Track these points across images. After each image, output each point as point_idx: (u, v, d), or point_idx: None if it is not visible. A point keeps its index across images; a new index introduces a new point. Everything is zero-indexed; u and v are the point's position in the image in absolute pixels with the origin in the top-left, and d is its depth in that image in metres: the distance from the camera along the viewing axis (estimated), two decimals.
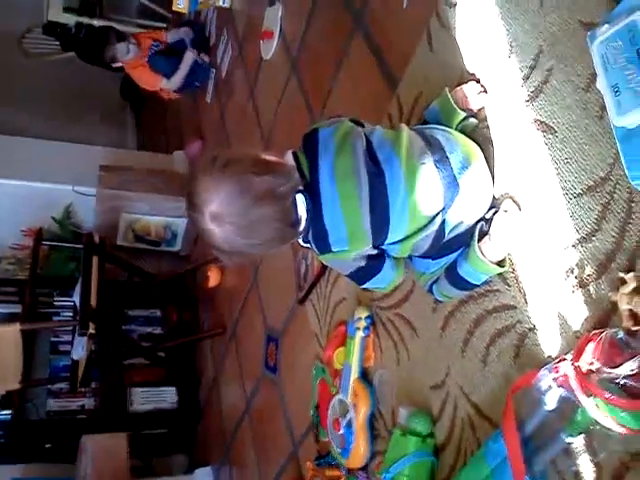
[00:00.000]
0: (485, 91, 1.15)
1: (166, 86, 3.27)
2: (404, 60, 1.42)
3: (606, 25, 0.78)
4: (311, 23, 2.05)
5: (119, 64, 3.15)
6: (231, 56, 2.95)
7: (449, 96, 1.15)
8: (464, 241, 1.08)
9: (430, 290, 1.18)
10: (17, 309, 2.98)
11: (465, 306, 1.16)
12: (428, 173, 1.01)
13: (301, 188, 0.99)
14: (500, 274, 1.07)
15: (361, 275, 1.11)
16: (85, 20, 3.83)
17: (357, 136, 1.03)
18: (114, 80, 4.89)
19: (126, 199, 3.07)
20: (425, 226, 1.03)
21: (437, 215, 1.02)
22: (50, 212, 3.20)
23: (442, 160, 1.02)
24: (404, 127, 1.07)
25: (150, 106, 4.80)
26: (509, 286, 1.06)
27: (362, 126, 1.10)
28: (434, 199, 1.01)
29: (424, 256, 1.14)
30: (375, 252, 1.07)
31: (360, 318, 1.44)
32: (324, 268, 1.73)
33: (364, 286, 1.15)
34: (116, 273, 3.10)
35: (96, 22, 3.82)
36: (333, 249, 1.02)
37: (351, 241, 1.01)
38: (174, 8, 2.77)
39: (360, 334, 1.43)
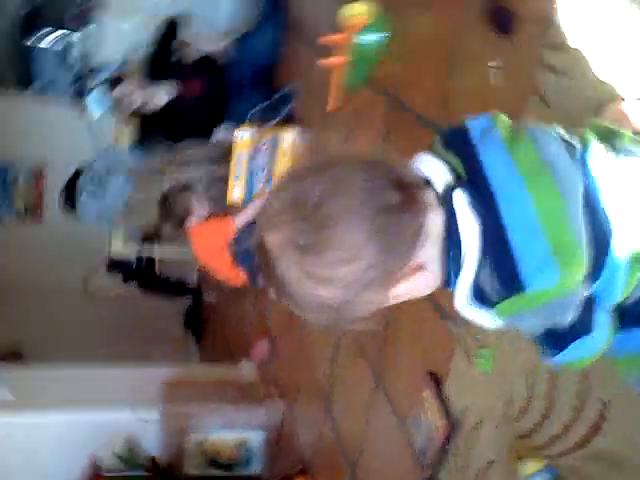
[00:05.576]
0: None
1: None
2: None
3: None
4: None
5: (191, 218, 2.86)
6: None
7: None
8: None
9: None
10: None
11: None
12: None
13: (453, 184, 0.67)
14: None
15: (562, 336, 0.68)
16: (146, 250, 3.91)
17: (530, 126, 0.71)
18: (175, 309, 4.87)
19: (193, 417, 2.76)
20: None
21: None
22: (112, 444, 2.86)
23: None
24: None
25: (211, 330, 4.68)
26: None
27: None
28: None
29: None
30: (586, 293, 0.67)
31: (533, 476, 0.99)
32: (452, 428, 1.31)
33: (559, 357, 0.71)
34: None
35: (156, 251, 3.90)
36: (528, 286, 0.62)
37: (561, 261, 0.62)
38: (229, 200, 2.69)
39: None
